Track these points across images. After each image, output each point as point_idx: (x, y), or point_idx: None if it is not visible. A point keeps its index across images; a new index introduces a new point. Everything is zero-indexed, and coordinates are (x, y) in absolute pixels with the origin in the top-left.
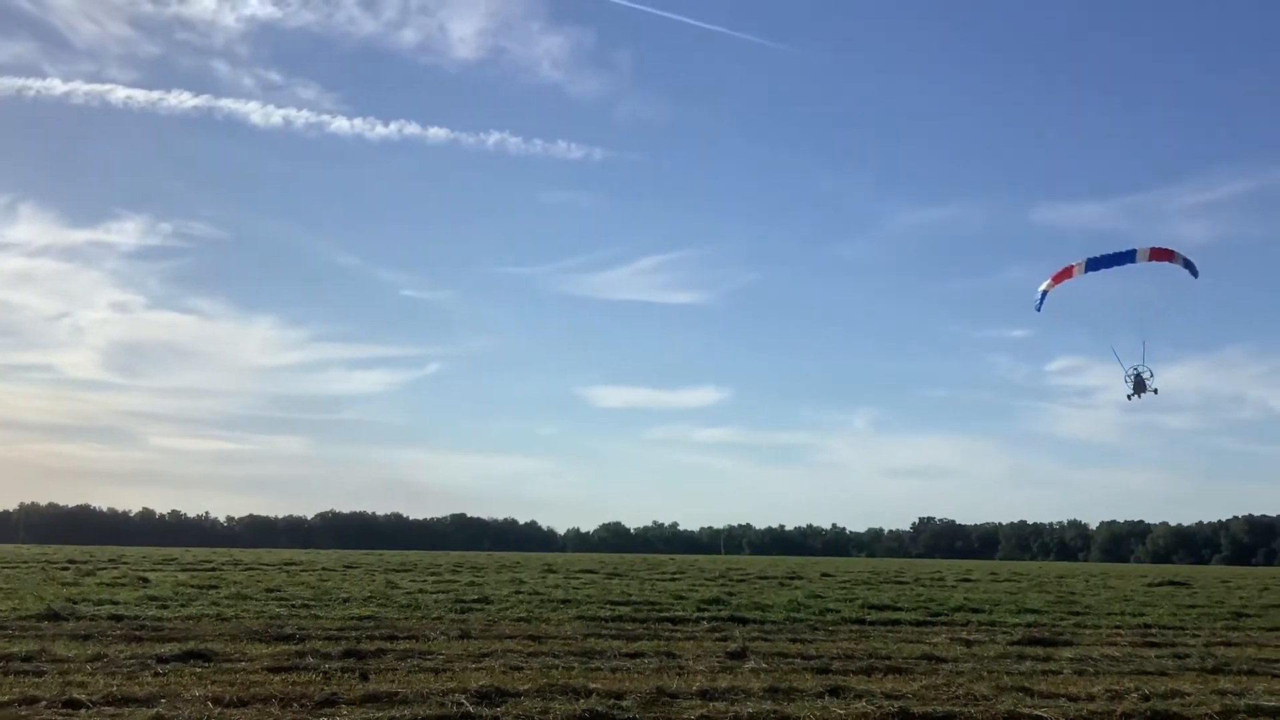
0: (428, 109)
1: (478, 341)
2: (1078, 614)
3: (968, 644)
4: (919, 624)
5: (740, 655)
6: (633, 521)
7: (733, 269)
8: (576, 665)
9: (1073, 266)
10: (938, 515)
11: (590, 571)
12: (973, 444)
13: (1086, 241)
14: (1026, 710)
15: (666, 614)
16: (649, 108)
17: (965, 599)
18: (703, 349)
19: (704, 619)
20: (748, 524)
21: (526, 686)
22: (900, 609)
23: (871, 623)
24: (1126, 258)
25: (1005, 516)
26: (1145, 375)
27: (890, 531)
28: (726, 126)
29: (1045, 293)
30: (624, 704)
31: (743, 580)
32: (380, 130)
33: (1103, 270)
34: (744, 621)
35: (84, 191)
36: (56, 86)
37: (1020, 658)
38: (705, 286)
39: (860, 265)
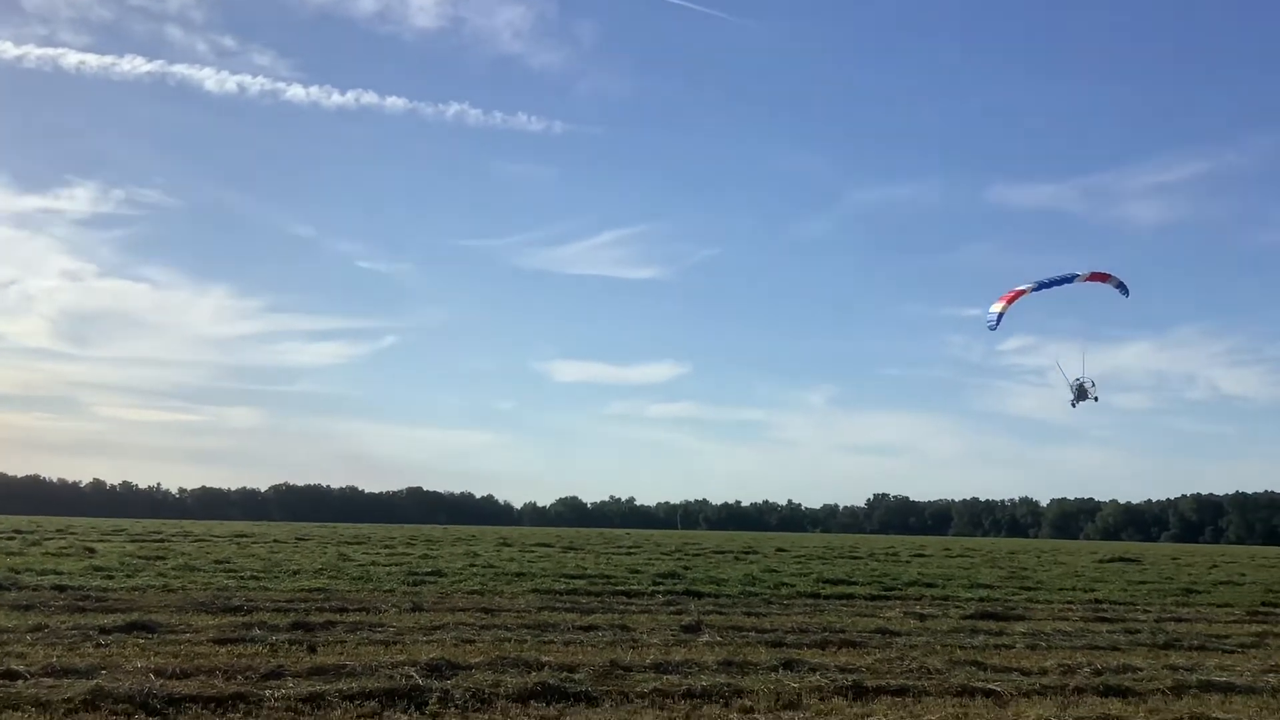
0: (386, 78)
1: (435, 314)
2: (1029, 589)
3: (921, 618)
4: (873, 598)
5: (695, 629)
6: (590, 496)
7: (691, 245)
8: (529, 638)
9: (1023, 289)
10: (892, 492)
11: (546, 545)
12: (928, 421)
13: (1042, 221)
14: (979, 684)
15: (621, 588)
16: (610, 81)
17: (919, 574)
18: (661, 324)
19: (659, 593)
20: (704, 499)
21: (478, 659)
22: (854, 584)
23: (826, 597)
24: (1069, 280)
25: (958, 493)
26: (1088, 385)
27: (845, 508)
28: (688, 101)
29: (1000, 315)
30: (576, 676)
31: (698, 555)
32: (337, 99)
33: (1048, 290)
34: (699, 595)
35: (35, 157)
36: (8, 50)
37: (973, 632)
38: (664, 262)
39: (819, 242)
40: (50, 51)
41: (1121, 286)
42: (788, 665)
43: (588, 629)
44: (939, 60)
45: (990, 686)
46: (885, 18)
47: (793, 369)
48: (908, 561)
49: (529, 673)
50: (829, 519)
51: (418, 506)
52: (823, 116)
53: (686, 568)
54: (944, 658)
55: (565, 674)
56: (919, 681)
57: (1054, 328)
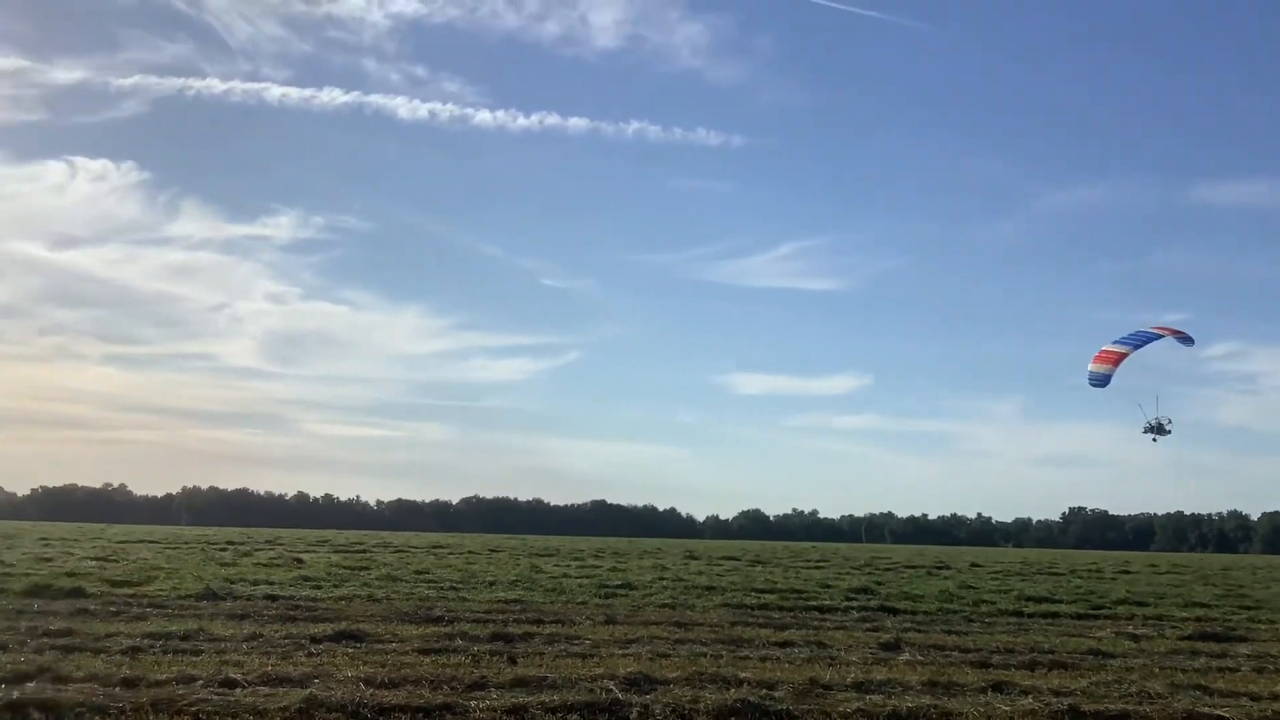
0: (568, 99)
1: (616, 329)
2: (1249, 608)
3: (1135, 639)
4: (1080, 617)
5: (894, 647)
6: (772, 509)
7: (872, 254)
8: (725, 653)
9: (1123, 351)
10: (1089, 505)
11: (733, 559)
12: (1125, 431)
13: (1247, 220)
14: (1206, 709)
15: (814, 603)
16: (789, 93)
17: (1127, 591)
18: (842, 336)
19: (853, 608)
20: (889, 512)
21: (675, 674)
22: (1059, 601)
23: (1030, 615)
24: (1157, 338)
25: (1161, 507)
26: (1165, 422)
27: (1039, 521)
28: (867, 110)
29: (1108, 376)
30: (776, 694)
31: (889, 569)
32: (522, 122)
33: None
34: (894, 612)
35: (242, 187)
36: (215, 86)
37: (1193, 654)
38: (845, 272)
39: (1005, 248)
40: (254, 86)
41: (1187, 338)
42: (997, 687)
43: (783, 645)
44: (1126, 57)
45: (1218, 713)
46: (1069, 15)
47: (980, 379)
48: (1113, 578)
49: (727, 689)
50: (1021, 533)
51: (602, 519)
52: (1005, 119)
53: (879, 583)
54: (1164, 681)
55: (764, 691)
56: (1140, 706)
57: (1263, 333)
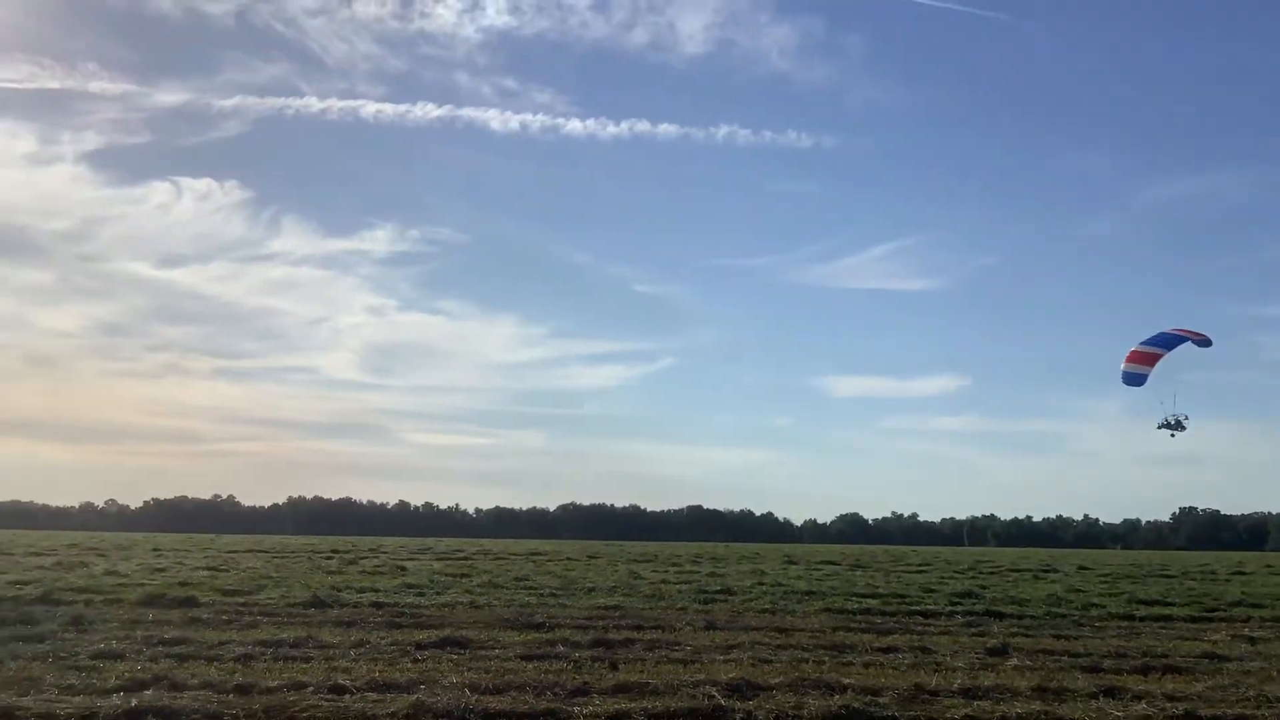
0: (657, 106)
1: (709, 334)
2: None
3: (1251, 642)
4: (1194, 620)
5: (1001, 652)
6: (871, 512)
7: (969, 253)
8: (828, 659)
9: (1159, 352)
10: (1200, 505)
11: (832, 563)
12: (1238, 429)
13: None
14: None
15: (916, 607)
16: (880, 92)
17: (1243, 593)
18: (940, 336)
19: (957, 613)
20: (992, 514)
21: (778, 680)
22: (1171, 604)
23: (1141, 619)
24: (1180, 339)
25: (1276, 505)
26: (1182, 419)
27: (1148, 522)
28: (959, 108)
29: (1144, 375)
30: (881, 700)
31: (993, 573)
32: (612, 129)
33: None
34: (1000, 616)
35: (340, 203)
36: (313, 104)
37: None
38: (940, 272)
39: (1106, 243)
40: (351, 103)
41: (1206, 342)
42: (1108, 692)
43: (887, 650)
44: (1224, 46)
45: None
46: (1166, 4)
47: (1083, 377)
48: (1227, 580)
49: (831, 695)
50: (1130, 534)
51: (698, 524)
52: (1102, 113)
53: (983, 586)
54: None
55: (869, 698)
56: (1258, 711)
57: None
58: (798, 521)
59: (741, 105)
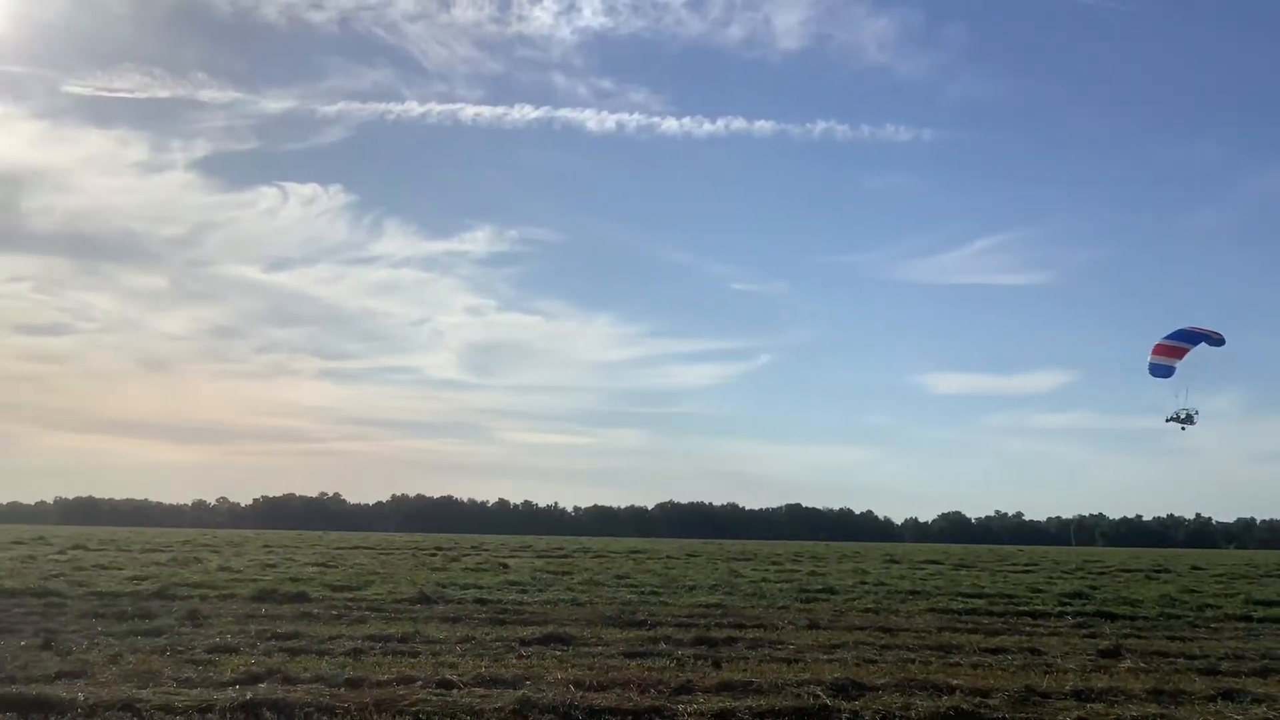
0: (753, 103)
1: (807, 331)
2: None
3: None
4: None
5: (1114, 653)
6: (973, 511)
7: (1074, 246)
8: (934, 660)
9: (1185, 347)
10: None
11: (935, 562)
12: None
13: None
14: None
15: (1024, 608)
16: (981, 84)
17: None
18: (1044, 331)
19: (1067, 614)
20: (1100, 513)
21: (883, 680)
22: None
23: (1259, 620)
24: (1200, 336)
25: None
26: (1193, 413)
27: (1264, 521)
28: (1064, 98)
29: (1171, 367)
30: (991, 702)
31: (1103, 573)
32: (708, 127)
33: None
34: (1112, 617)
35: (440, 205)
36: (413, 108)
37: None
38: (1044, 266)
39: (1216, 234)
40: (450, 107)
41: (1219, 341)
42: (1226, 696)
43: (994, 651)
44: None
45: None
46: None
47: (1194, 372)
48: None
49: (939, 696)
50: (1245, 533)
51: (797, 523)
52: (1208, 100)
53: (1093, 587)
54: None
55: (979, 699)
56: None
57: None
58: (898, 520)
59: (839, 100)
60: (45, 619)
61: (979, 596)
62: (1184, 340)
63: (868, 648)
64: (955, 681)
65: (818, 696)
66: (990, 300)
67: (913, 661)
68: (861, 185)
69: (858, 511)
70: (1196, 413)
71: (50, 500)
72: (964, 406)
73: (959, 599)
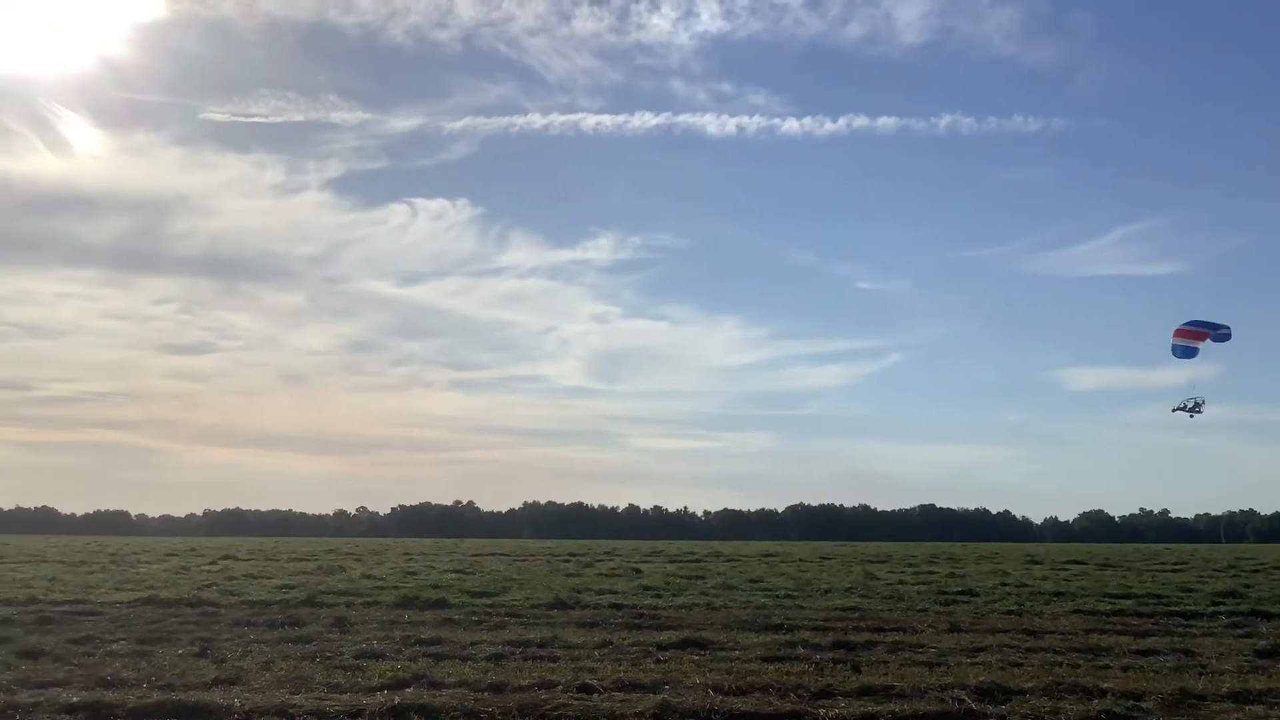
0: (875, 99)
1: (937, 329)
2: None
3: None
4: None
5: (1272, 654)
6: (1116, 509)
7: (1216, 233)
8: (1082, 663)
9: (1205, 333)
10: None
11: (1078, 562)
12: None
13: None
14: None
15: (1175, 608)
16: (1112, 70)
17: None
18: (1185, 322)
19: (1220, 613)
20: (1251, 509)
21: (1030, 684)
22: None
23: None
24: (1213, 326)
25: None
26: (1200, 402)
27: None
28: (1197, 80)
29: (1195, 349)
30: (1143, 705)
31: (1257, 570)
32: (829, 126)
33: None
34: (1269, 617)
35: (563, 214)
36: (536, 121)
37: None
38: (1184, 255)
39: None
40: (571, 117)
41: (1223, 337)
42: None
43: (1145, 653)
44: None
45: None
46: None
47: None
48: None
49: (1089, 700)
50: None
51: (931, 524)
52: None
53: (1247, 585)
54: None
55: (1130, 702)
56: None
57: None
58: (1037, 519)
59: (963, 93)
60: (200, 627)
61: (1126, 597)
62: (1203, 327)
63: (1012, 650)
64: (1105, 684)
65: (962, 701)
66: (1128, 291)
67: (1060, 664)
68: (989, 178)
69: (994, 511)
70: (1204, 401)
71: (200, 512)
72: (1104, 401)
73: (1105, 600)
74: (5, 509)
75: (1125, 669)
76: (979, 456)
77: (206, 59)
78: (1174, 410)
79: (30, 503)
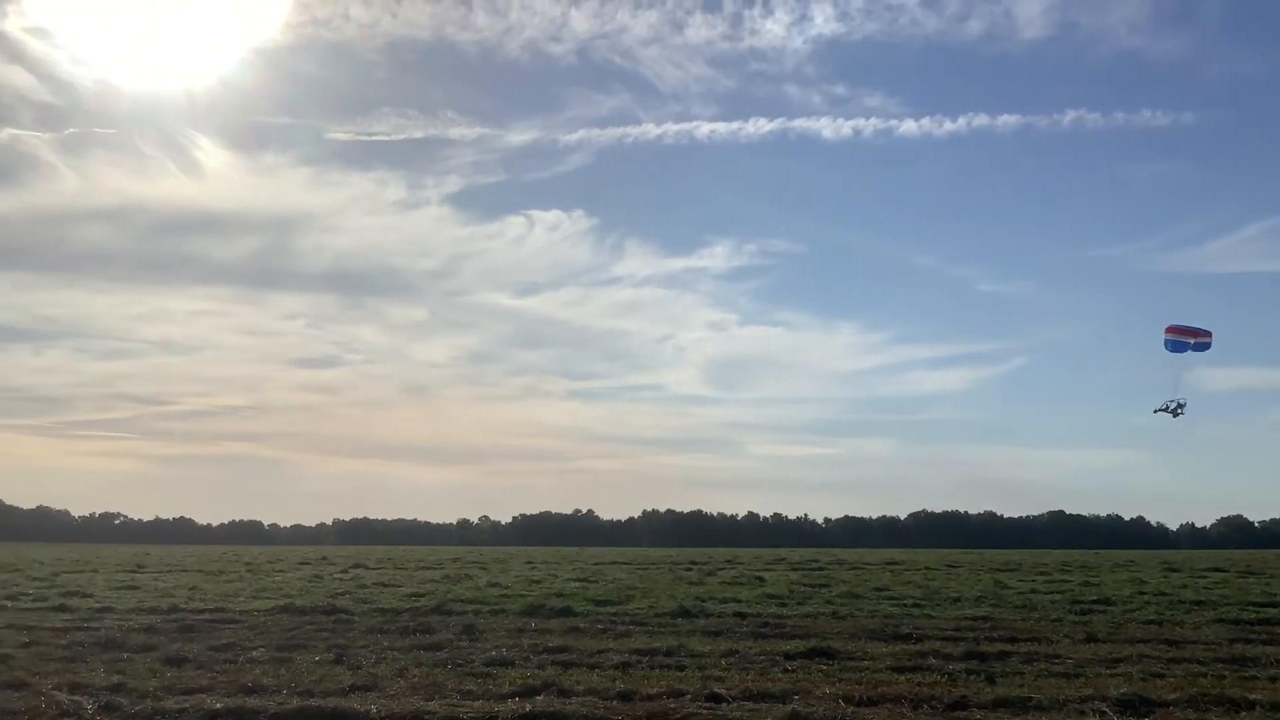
0: (996, 97)
1: (1063, 330)
2: None
3: None
4: None
5: None
6: (1257, 514)
7: None
8: (1228, 674)
9: (1192, 329)
10: None
11: (1219, 570)
12: None
13: None
14: None
15: None
16: (1244, 60)
17: None
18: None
19: None
20: None
21: (1174, 696)
22: None
23: None
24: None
25: None
26: (1182, 403)
27: None
28: None
29: (1187, 344)
30: None
31: None
32: (948, 126)
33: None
34: None
35: (678, 223)
36: (650, 130)
37: None
38: None
39: None
40: (685, 126)
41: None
42: None
43: None
44: None
45: None
46: None
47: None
48: None
49: (1236, 712)
50: None
51: (1060, 530)
52: None
53: None
54: None
55: None
56: None
57: None
58: (1172, 525)
59: (1088, 87)
60: (335, 635)
61: (1272, 605)
62: (1193, 327)
63: (1153, 661)
64: (1253, 696)
65: (1104, 713)
66: (1265, 288)
67: (1204, 675)
68: (1116, 175)
69: (1126, 518)
70: (1185, 402)
71: (329, 522)
72: (1242, 402)
73: (1249, 608)
74: (145, 520)
75: (1273, 679)
76: (1109, 461)
77: (329, 80)
78: (1155, 412)
79: (169, 514)
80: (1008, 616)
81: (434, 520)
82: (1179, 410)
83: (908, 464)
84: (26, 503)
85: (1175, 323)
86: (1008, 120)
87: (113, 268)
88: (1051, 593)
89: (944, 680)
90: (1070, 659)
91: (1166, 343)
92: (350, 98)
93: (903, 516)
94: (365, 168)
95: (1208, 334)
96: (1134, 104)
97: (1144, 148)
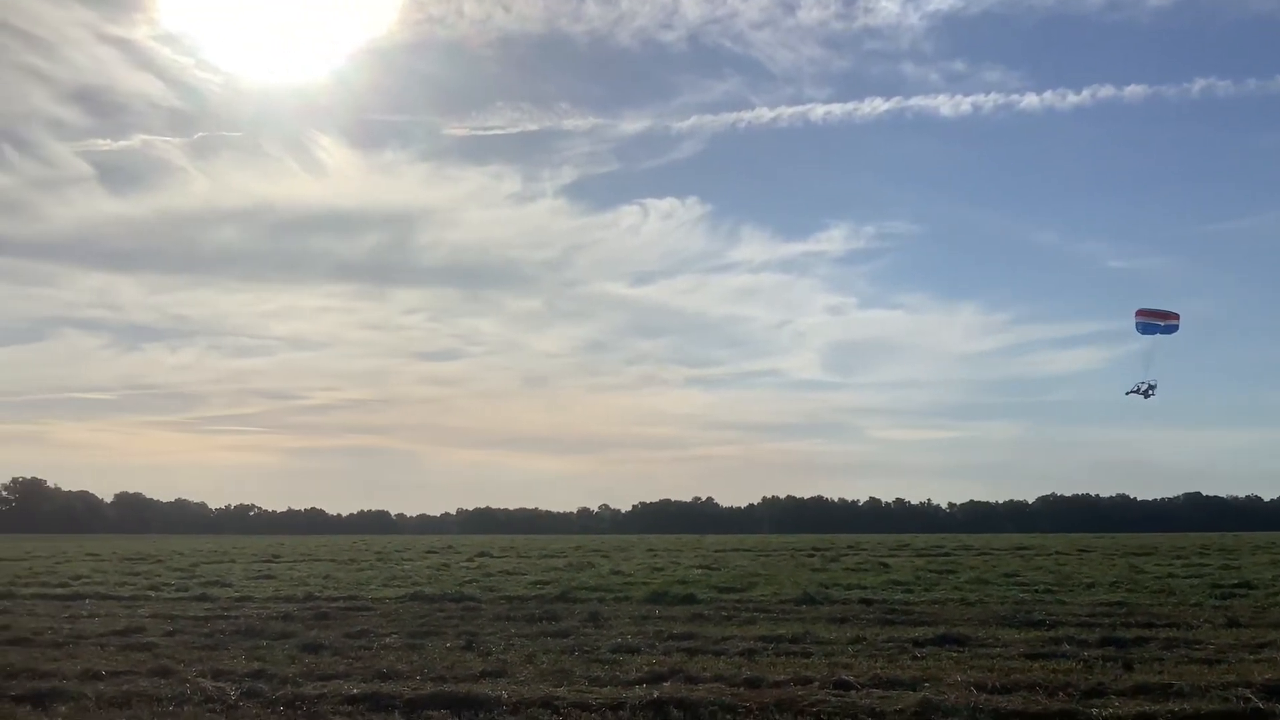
0: (1121, 68)
1: (1199, 306)
2: None
3: None
4: None
5: None
6: None
7: None
8: None
9: (1163, 312)
10: None
11: None
12: None
13: None
14: None
15: None
16: None
17: None
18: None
19: None
20: None
21: None
22: None
23: None
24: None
25: None
26: (1153, 384)
27: None
28: None
29: (1156, 326)
30: None
31: None
32: (1071, 99)
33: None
34: None
35: (794, 207)
36: (763, 114)
37: None
38: None
39: None
40: (799, 109)
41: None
42: None
43: None
44: None
45: None
46: None
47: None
48: None
49: None
50: None
51: (1197, 513)
52: None
53: None
54: None
55: None
56: None
57: None
58: None
59: (1218, 55)
60: (464, 622)
61: None
62: (1163, 310)
63: None
64: None
65: (1248, 700)
66: None
67: None
68: (1250, 143)
69: (1267, 499)
70: (1155, 384)
71: (453, 511)
72: None
73: None
74: (278, 511)
75: None
76: (1248, 440)
77: (447, 78)
78: (1127, 394)
79: (300, 505)
80: (1144, 602)
81: (555, 509)
82: (1150, 392)
83: (1034, 447)
84: (166, 496)
85: (1146, 309)
86: (1134, 91)
87: (242, 267)
88: (1190, 577)
89: (1079, 667)
90: (1211, 645)
91: (1137, 325)
92: (464, 93)
93: (1030, 501)
94: (481, 162)
95: (1175, 315)
96: (1267, 70)
97: (1278, 116)
